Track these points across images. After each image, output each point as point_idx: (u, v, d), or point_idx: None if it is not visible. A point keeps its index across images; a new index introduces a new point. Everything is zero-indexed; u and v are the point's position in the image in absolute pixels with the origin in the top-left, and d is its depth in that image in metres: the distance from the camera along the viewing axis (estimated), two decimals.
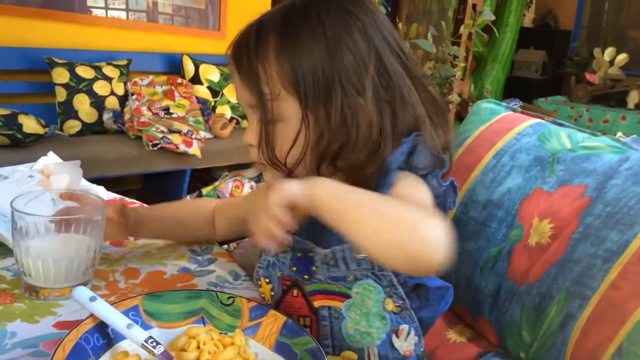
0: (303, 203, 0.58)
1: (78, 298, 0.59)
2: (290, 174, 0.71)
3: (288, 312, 0.72)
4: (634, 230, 0.72)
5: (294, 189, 0.58)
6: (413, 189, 0.69)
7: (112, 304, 0.59)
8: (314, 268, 0.71)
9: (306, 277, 0.72)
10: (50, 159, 1.02)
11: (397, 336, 0.72)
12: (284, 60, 0.66)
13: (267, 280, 0.75)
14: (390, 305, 0.71)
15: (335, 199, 0.58)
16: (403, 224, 0.56)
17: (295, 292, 0.72)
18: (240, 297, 0.65)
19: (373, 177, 0.69)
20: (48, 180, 0.90)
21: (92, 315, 0.58)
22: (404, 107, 0.70)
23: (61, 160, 1.03)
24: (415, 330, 0.74)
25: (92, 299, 0.58)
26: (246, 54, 0.68)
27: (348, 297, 0.70)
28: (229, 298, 0.64)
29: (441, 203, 0.73)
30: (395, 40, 0.72)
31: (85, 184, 1.06)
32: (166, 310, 0.63)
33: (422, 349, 0.76)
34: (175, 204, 0.98)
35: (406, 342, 0.73)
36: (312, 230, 0.71)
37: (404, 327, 0.72)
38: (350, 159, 0.68)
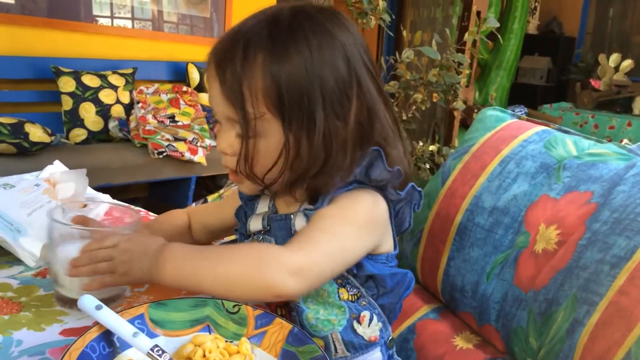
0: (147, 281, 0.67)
1: (84, 306, 0.59)
2: (266, 187, 0.74)
3: (269, 304, 0.76)
4: None
5: (139, 274, 0.64)
6: (338, 209, 0.72)
7: (117, 312, 0.59)
8: None
9: None
10: (57, 168, 1.03)
11: (360, 323, 0.76)
12: (271, 82, 0.66)
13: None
14: (345, 294, 0.75)
15: (177, 275, 0.63)
16: (242, 288, 0.63)
17: None
18: (246, 305, 0.65)
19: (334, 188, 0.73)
20: (54, 189, 0.90)
21: (98, 323, 0.58)
22: (377, 129, 0.73)
23: (67, 169, 1.03)
24: (379, 317, 0.77)
25: (98, 308, 0.58)
26: (231, 68, 0.67)
27: None
28: (234, 306, 0.64)
29: (406, 208, 0.78)
30: (370, 60, 0.73)
31: (90, 192, 1.06)
32: (172, 319, 0.63)
33: (390, 336, 0.80)
34: (148, 221, 1.00)
35: (369, 328, 0.77)
36: (279, 229, 0.77)
37: (365, 314, 0.76)
38: (324, 178, 0.71)
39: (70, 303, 0.69)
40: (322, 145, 0.68)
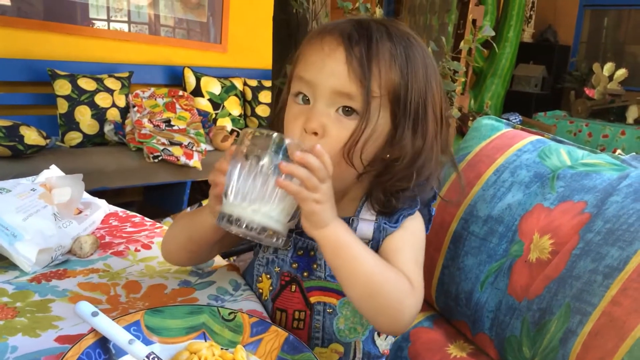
0: (316, 234, 0.64)
1: (80, 313, 0.59)
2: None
3: (284, 306, 0.77)
4: (634, 247, 0.73)
5: (324, 216, 0.64)
6: (412, 239, 0.76)
7: (113, 319, 0.60)
8: (315, 265, 0.75)
9: (306, 274, 0.76)
10: (53, 173, 1.03)
11: (379, 335, 0.80)
12: (397, 72, 0.69)
13: (268, 276, 0.78)
14: None
15: (340, 247, 0.65)
16: (385, 302, 0.67)
17: (293, 287, 0.77)
18: (242, 312, 0.65)
19: (400, 203, 0.75)
20: (50, 194, 0.90)
21: (93, 330, 0.58)
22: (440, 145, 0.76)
23: (64, 174, 1.03)
24: None
25: (94, 314, 0.58)
26: (365, 44, 0.68)
27: (343, 295, 0.75)
28: (230, 313, 0.64)
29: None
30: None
31: (86, 196, 1.06)
32: (167, 326, 0.63)
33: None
34: None
35: (385, 341, 0.81)
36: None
37: None
38: (409, 183, 0.72)
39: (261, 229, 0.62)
40: (423, 146, 0.71)
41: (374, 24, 0.71)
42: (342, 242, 0.65)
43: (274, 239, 0.62)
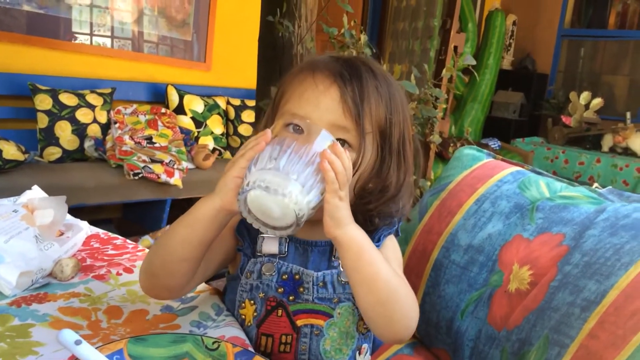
0: (339, 233, 0.67)
1: (63, 341, 0.59)
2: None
3: (271, 331, 0.77)
4: (610, 281, 0.75)
5: (346, 214, 0.67)
6: (395, 254, 0.82)
7: (96, 346, 0.59)
8: (301, 289, 0.77)
9: (292, 297, 0.77)
10: (35, 193, 1.02)
11: (360, 353, 0.81)
12: (383, 109, 0.75)
13: (252, 301, 0.78)
14: (361, 326, 0.79)
15: (358, 248, 0.68)
16: (400, 308, 0.70)
17: (279, 312, 0.77)
18: (226, 342, 0.65)
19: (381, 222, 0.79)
20: (32, 215, 0.89)
21: (75, 358, 0.57)
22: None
23: (46, 195, 1.02)
24: (370, 350, 0.84)
25: (77, 342, 0.58)
26: (357, 83, 0.73)
27: (330, 316, 0.77)
28: (214, 343, 0.64)
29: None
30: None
31: (68, 217, 1.05)
32: (151, 354, 0.62)
33: None
34: None
35: (364, 359, 0.83)
36: (298, 252, 0.79)
37: (365, 346, 0.81)
38: (392, 206, 0.78)
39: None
40: (405, 177, 0.78)
41: (360, 63, 0.76)
42: (363, 244, 0.68)
43: (291, 225, 0.64)
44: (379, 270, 0.68)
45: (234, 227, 0.81)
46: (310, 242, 0.79)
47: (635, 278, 0.73)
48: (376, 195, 0.76)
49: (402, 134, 0.77)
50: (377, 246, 0.77)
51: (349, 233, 0.67)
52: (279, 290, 0.77)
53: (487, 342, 0.90)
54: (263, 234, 0.80)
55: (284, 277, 0.77)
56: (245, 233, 0.81)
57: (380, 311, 0.69)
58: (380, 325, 0.71)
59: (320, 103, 0.72)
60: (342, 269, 0.77)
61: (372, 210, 0.77)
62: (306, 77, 0.74)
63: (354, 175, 0.72)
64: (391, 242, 0.82)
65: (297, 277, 0.77)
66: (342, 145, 0.71)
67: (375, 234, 0.79)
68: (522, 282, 0.89)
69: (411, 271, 1.08)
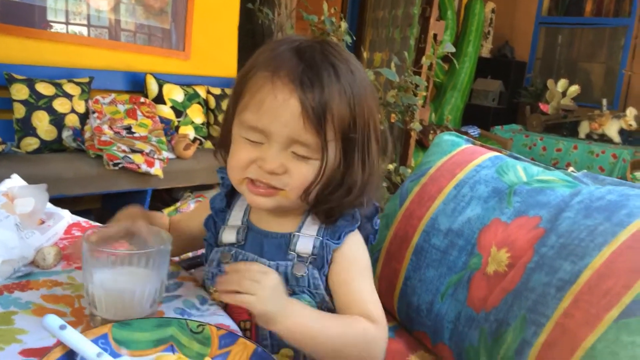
0: (276, 329, 0.67)
1: (47, 326, 0.59)
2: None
3: (232, 316, 0.78)
4: (584, 261, 0.77)
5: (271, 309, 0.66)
6: (356, 256, 0.81)
7: (80, 332, 0.59)
8: None
9: None
10: (15, 182, 1.01)
11: None
12: (346, 109, 0.72)
13: (214, 289, 0.80)
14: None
15: (299, 333, 0.69)
16: (356, 356, 0.73)
17: None
18: (210, 325, 0.66)
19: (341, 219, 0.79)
20: (12, 204, 0.89)
21: (60, 343, 0.58)
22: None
23: (26, 183, 1.01)
24: None
25: (62, 327, 0.58)
26: (319, 91, 0.69)
27: None
28: (198, 326, 0.65)
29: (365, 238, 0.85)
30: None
31: (49, 206, 1.05)
32: (136, 338, 0.63)
33: None
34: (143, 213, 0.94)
35: None
36: (255, 242, 0.81)
37: None
38: (355, 204, 0.78)
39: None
40: (370, 174, 0.76)
41: (321, 59, 0.72)
42: (300, 328, 0.69)
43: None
44: (321, 341, 0.70)
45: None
46: (266, 233, 0.81)
47: (609, 258, 0.75)
48: (340, 194, 0.76)
49: (367, 132, 0.75)
50: (338, 244, 0.78)
51: (284, 325, 0.67)
52: None
53: (466, 324, 0.93)
54: (224, 225, 0.84)
55: None
56: (212, 225, 0.86)
57: None
58: None
59: (279, 116, 0.70)
60: (296, 262, 0.78)
61: (334, 208, 0.78)
62: (265, 83, 0.71)
63: (316, 184, 0.73)
64: (353, 240, 0.81)
65: None
66: (303, 159, 0.72)
67: (336, 231, 0.79)
68: (500, 265, 0.91)
69: (392, 256, 1.10)
